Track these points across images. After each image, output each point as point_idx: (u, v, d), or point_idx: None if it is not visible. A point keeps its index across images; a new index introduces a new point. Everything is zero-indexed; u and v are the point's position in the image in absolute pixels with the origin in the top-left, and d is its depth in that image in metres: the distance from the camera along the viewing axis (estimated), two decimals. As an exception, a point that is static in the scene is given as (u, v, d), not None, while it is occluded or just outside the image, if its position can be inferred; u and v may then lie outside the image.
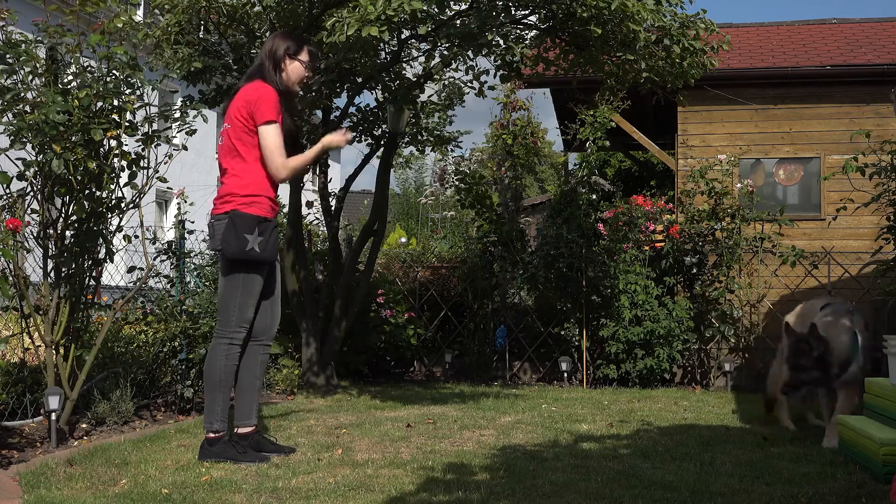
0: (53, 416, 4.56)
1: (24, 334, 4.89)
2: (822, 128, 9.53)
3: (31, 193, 4.78)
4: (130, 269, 5.67)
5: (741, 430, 5.42)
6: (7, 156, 4.59)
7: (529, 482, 3.73)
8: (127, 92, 4.88)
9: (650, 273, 8.23)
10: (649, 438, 4.95)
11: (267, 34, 6.99)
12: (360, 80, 7.35)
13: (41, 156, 4.61)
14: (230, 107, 4.31)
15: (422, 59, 7.60)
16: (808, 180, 9.56)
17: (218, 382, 4.24)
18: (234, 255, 4.17)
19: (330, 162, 8.17)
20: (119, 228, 5.12)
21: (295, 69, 4.39)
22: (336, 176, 26.90)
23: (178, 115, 5.16)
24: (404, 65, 7.77)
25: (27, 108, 4.63)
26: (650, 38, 6.39)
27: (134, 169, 4.99)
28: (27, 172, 4.68)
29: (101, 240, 5.02)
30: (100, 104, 4.78)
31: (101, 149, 4.81)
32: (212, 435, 4.23)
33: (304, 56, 4.41)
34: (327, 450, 4.48)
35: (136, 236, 5.26)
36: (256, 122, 4.20)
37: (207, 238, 4.45)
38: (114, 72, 4.87)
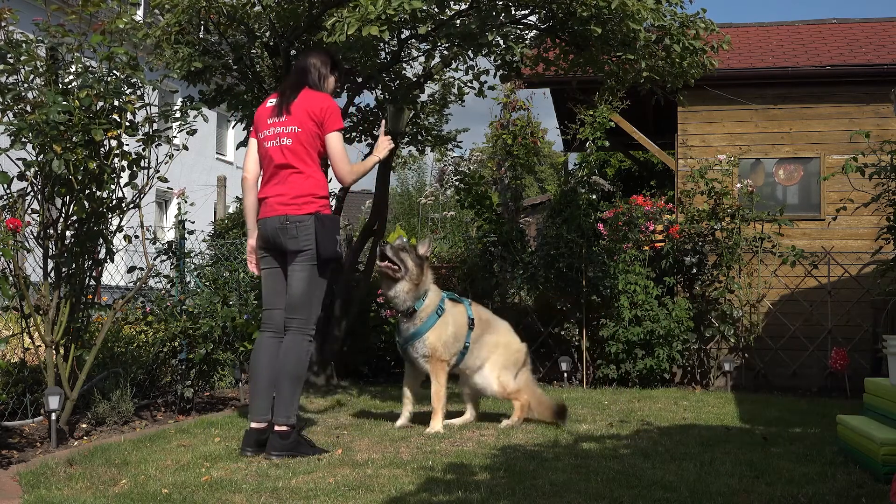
0: (53, 416, 4.56)
1: (25, 334, 4.90)
2: (822, 128, 9.53)
3: (32, 193, 4.79)
4: (130, 269, 5.67)
5: (741, 430, 5.42)
6: (7, 156, 4.59)
7: (529, 482, 3.73)
8: (127, 92, 4.88)
9: (650, 273, 8.23)
10: (649, 438, 4.95)
11: (267, 34, 6.99)
12: (360, 80, 7.36)
13: (42, 156, 4.61)
14: (296, 110, 4.44)
15: (422, 59, 7.60)
16: (808, 180, 9.56)
17: (300, 376, 4.40)
18: (332, 255, 4.40)
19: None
20: (119, 228, 5.12)
21: (331, 84, 4.71)
22: (336, 176, 26.87)
23: (178, 115, 5.16)
24: (404, 65, 7.78)
25: (28, 108, 4.63)
26: (650, 38, 6.39)
27: (134, 169, 4.99)
28: (28, 172, 4.68)
29: (102, 240, 5.02)
30: (100, 104, 4.78)
31: (102, 149, 4.81)
32: (286, 428, 4.29)
33: (337, 73, 4.75)
34: (327, 450, 4.48)
35: (137, 236, 5.26)
36: (327, 128, 4.45)
37: (279, 238, 4.41)
38: (114, 72, 4.87)
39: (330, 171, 4.67)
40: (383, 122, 5.12)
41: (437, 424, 5.07)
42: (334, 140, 4.46)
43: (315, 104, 4.46)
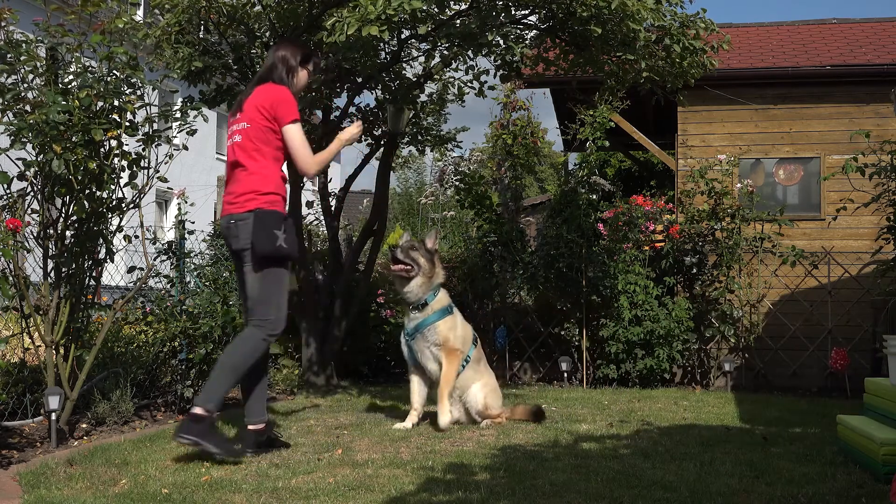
0: (53, 416, 4.56)
1: (24, 334, 4.90)
2: (822, 128, 9.53)
3: (32, 193, 4.79)
4: (130, 269, 5.67)
5: (741, 430, 5.42)
6: (7, 156, 4.59)
7: (529, 482, 3.73)
8: (127, 92, 4.88)
9: (650, 273, 8.23)
10: (649, 438, 4.95)
11: (267, 34, 6.99)
12: (360, 80, 7.36)
13: (41, 156, 4.61)
14: (247, 106, 4.39)
15: (422, 59, 7.60)
16: (808, 180, 9.56)
17: (238, 369, 4.25)
18: (268, 252, 4.24)
19: (330, 162, 8.16)
20: (119, 228, 5.12)
21: (303, 77, 4.62)
22: (336, 176, 26.89)
23: (178, 115, 5.16)
24: (404, 65, 7.78)
25: (28, 108, 4.63)
26: (650, 38, 6.39)
27: (134, 169, 4.99)
28: (27, 172, 4.68)
29: (102, 240, 5.02)
30: (100, 104, 4.78)
31: (102, 149, 4.81)
32: (202, 412, 4.10)
33: (311, 66, 4.65)
34: (327, 450, 4.49)
35: (137, 236, 5.26)
36: (282, 121, 4.33)
37: (227, 238, 4.40)
38: (114, 72, 4.87)
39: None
40: (358, 119, 5.10)
41: (444, 418, 5.12)
42: (291, 132, 4.35)
43: (265, 98, 4.36)
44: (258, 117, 4.34)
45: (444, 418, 5.12)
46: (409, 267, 5.12)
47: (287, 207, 4.49)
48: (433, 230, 5.34)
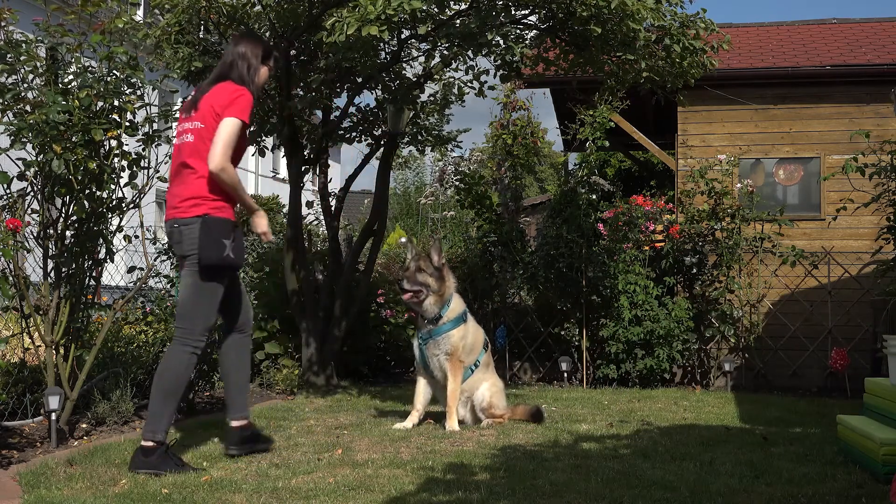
0: (53, 416, 4.56)
1: (24, 334, 4.90)
2: (822, 128, 9.53)
3: (32, 193, 4.79)
4: (130, 269, 5.67)
5: (741, 430, 5.42)
6: (7, 156, 4.59)
7: (529, 482, 3.73)
8: (127, 92, 4.88)
9: (650, 273, 8.23)
10: (649, 438, 4.95)
11: (267, 34, 6.99)
12: (360, 80, 7.35)
13: (41, 156, 4.61)
14: (202, 104, 4.17)
15: (422, 59, 7.60)
16: (808, 180, 9.55)
17: (174, 391, 4.07)
18: (213, 262, 4.05)
19: (330, 162, 8.17)
20: (119, 228, 5.12)
21: (263, 75, 4.42)
22: (336, 176, 26.90)
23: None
24: (404, 65, 7.77)
25: (28, 108, 4.63)
26: (650, 38, 6.39)
27: (134, 169, 4.99)
28: (27, 172, 4.68)
29: (102, 240, 5.02)
30: (100, 104, 4.78)
31: (102, 149, 4.81)
32: (151, 444, 3.96)
33: (271, 62, 4.47)
34: (327, 450, 4.49)
35: (137, 236, 5.26)
36: (224, 114, 4.08)
37: (173, 242, 4.21)
38: (114, 72, 4.87)
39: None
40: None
41: (453, 423, 5.17)
42: (226, 124, 4.07)
43: (222, 97, 4.14)
44: (211, 118, 4.11)
45: (453, 424, 5.18)
46: (418, 291, 5.19)
47: (235, 213, 4.24)
48: (437, 242, 5.36)
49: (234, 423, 4.34)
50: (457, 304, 5.34)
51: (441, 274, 5.23)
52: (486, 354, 5.48)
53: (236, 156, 4.19)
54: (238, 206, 4.28)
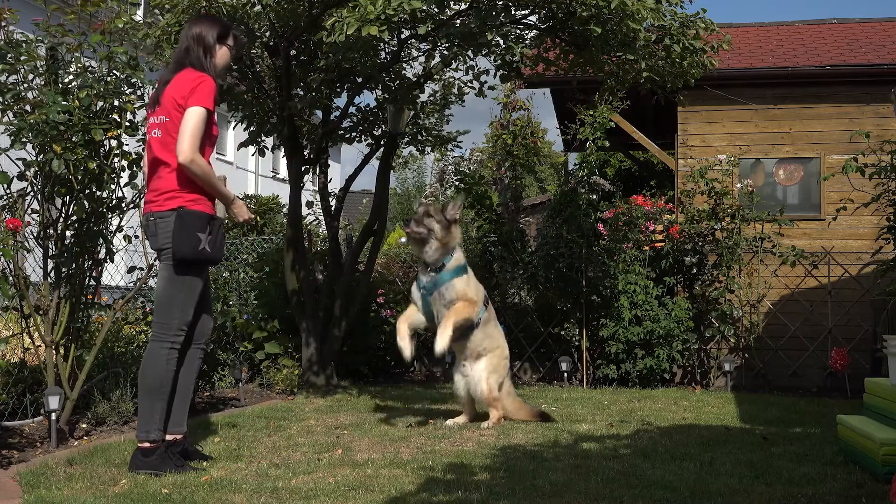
0: (53, 416, 4.56)
1: (24, 334, 4.90)
2: (822, 128, 9.53)
3: (32, 193, 4.79)
4: (130, 269, 5.67)
5: (741, 430, 5.42)
6: (7, 156, 4.59)
7: (529, 482, 3.73)
8: (127, 92, 4.88)
9: (650, 273, 8.23)
10: (649, 438, 4.95)
11: (267, 34, 6.99)
12: (360, 80, 7.35)
13: (42, 156, 4.61)
14: (164, 97, 4.07)
15: (422, 59, 7.60)
16: (808, 180, 9.55)
17: (158, 388, 4.02)
18: (187, 255, 4.00)
19: (330, 162, 8.17)
20: (119, 228, 5.13)
21: (223, 55, 4.24)
22: (336, 176, 26.88)
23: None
24: (404, 65, 7.77)
25: (28, 108, 4.63)
26: (650, 38, 6.39)
27: (134, 169, 4.99)
28: (28, 172, 4.68)
29: (102, 240, 5.02)
30: (100, 104, 4.78)
31: (102, 149, 4.82)
32: (148, 445, 3.96)
33: (231, 41, 4.26)
34: (327, 450, 4.49)
35: (137, 236, 5.26)
36: (188, 104, 3.97)
37: (149, 236, 4.17)
38: (114, 72, 4.87)
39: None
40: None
41: (444, 339, 5.08)
42: (190, 113, 3.95)
43: (182, 87, 4.01)
44: (175, 111, 4.01)
45: (442, 343, 5.08)
46: (420, 231, 5.21)
47: (214, 207, 4.17)
48: (459, 199, 5.41)
49: (168, 437, 4.10)
50: (459, 256, 5.36)
51: (448, 225, 5.24)
52: (486, 312, 5.44)
53: (208, 145, 4.11)
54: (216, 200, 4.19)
